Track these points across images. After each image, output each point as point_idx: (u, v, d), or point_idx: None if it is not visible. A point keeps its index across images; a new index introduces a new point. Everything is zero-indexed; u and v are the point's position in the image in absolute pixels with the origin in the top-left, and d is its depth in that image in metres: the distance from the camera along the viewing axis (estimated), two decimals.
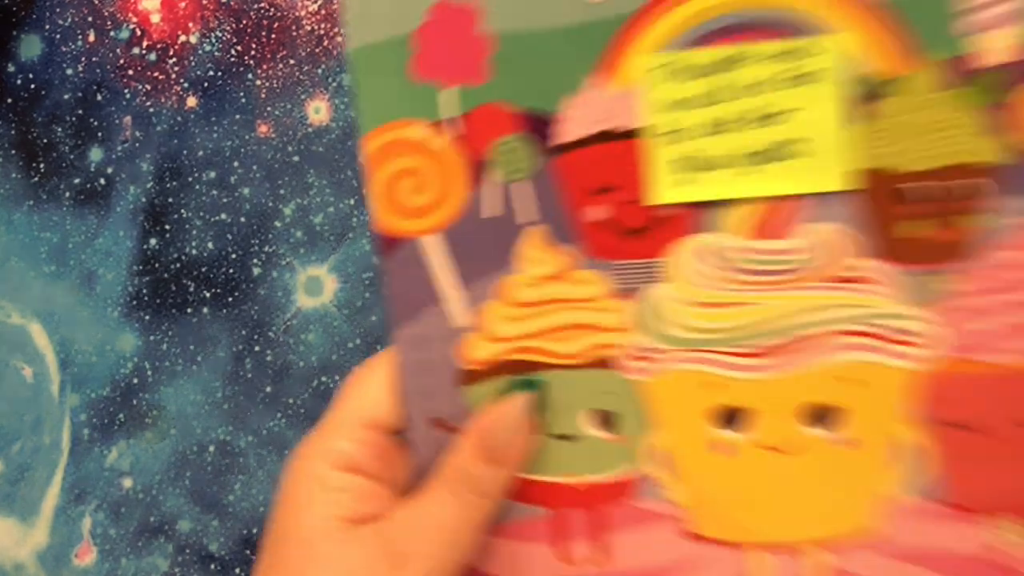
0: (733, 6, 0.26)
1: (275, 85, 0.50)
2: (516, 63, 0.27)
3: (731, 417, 0.29)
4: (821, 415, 0.28)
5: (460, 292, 0.30)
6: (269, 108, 0.50)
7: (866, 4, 0.25)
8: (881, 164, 0.26)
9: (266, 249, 0.49)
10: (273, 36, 0.50)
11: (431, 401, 0.31)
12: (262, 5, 0.50)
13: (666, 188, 0.27)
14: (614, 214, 0.28)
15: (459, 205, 0.29)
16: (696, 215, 0.28)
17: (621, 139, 0.28)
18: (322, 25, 0.50)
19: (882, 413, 0.28)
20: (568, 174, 0.28)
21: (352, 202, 0.49)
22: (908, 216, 0.26)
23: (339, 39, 0.50)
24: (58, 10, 0.51)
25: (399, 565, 0.27)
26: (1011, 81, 0.24)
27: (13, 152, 0.51)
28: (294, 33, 0.50)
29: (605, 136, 0.28)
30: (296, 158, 0.49)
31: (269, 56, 0.50)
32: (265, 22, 0.50)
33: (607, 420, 0.30)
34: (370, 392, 0.32)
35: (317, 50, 0.50)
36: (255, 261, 0.49)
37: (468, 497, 0.28)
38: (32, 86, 0.51)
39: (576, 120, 0.28)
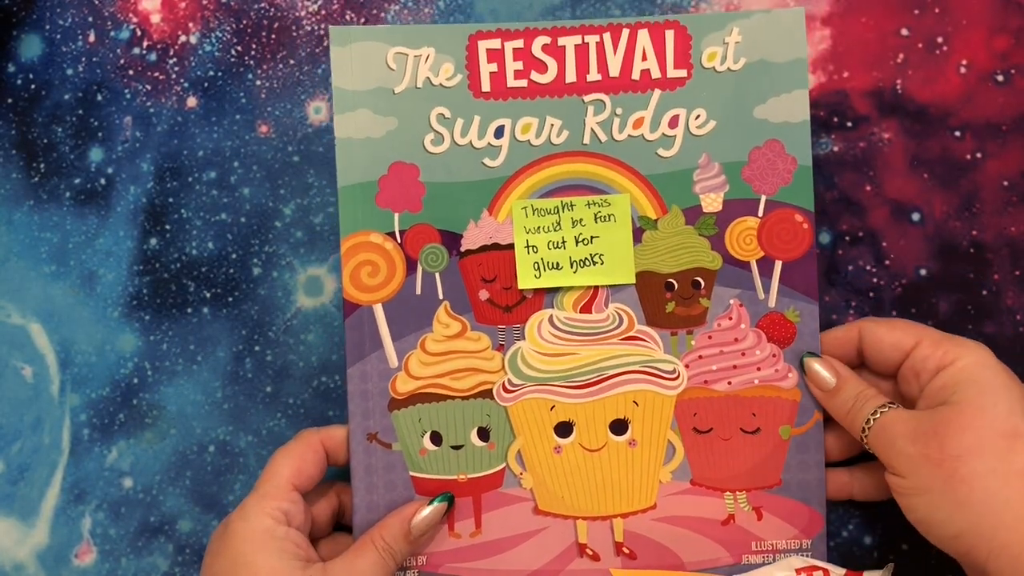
0: (565, 175, 0.44)
1: (275, 85, 0.50)
2: (439, 201, 0.44)
3: (564, 429, 0.44)
4: (618, 426, 0.43)
5: (393, 344, 0.44)
6: (269, 108, 0.50)
7: (640, 177, 0.43)
8: (651, 268, 0.44)
9: (266, 249, 0.49)
10: (273, 36, 0.50)
11: (369, 420, 0.44)
12: (262, 5, 0.50)
13: (527, 280, 0.43)
14: (493, 296, 0.44)
15: (398, 286, 0.44)
16: (543, 298, 0.44)
17: (501, 249, 0.44)
18: (322, 25, 0.50)
19: (654, 424, 0.43)
20: (467, 269, 0.44)
21: None
22: (671, 300, 0.43)
23: None
24: (58, 10, 0.51)
25: None
26: (718, 223, 0.43)
27: (13, 152, 0.51)
28: (294, 33, 0.50)
29: (491, 247, 0.44)
30: (296, 158, 0.49)
31: (269, 56, 0.50)
32: (265, 22, 0.50)
33: (485, 434, 0.44)
34: (291, 464, 0.42)
35: (317, 50, 0.50)
36: (255, 261, 0.49)
37: (387, 562, 0.41)
38: (32, 86, 0.51)
39: (473, 236, 0.44)
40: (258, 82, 0.50)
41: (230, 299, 0.49)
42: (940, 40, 0.46)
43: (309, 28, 0.50)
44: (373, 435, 0.43)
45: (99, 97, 0.51)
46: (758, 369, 0.43)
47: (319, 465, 0.43)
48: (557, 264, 0.43)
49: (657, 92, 0.43)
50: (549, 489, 0.44)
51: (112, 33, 0.51)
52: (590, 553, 0.43)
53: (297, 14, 0.50)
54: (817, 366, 0.42)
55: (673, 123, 0.43)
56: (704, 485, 0.43)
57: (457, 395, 0.44)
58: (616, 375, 0.43)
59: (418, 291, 0.44)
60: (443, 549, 0.44)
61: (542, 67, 0.43)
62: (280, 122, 0.50)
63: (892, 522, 0.43)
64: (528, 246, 0.43)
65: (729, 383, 0.43)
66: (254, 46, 0.50)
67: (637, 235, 0.43)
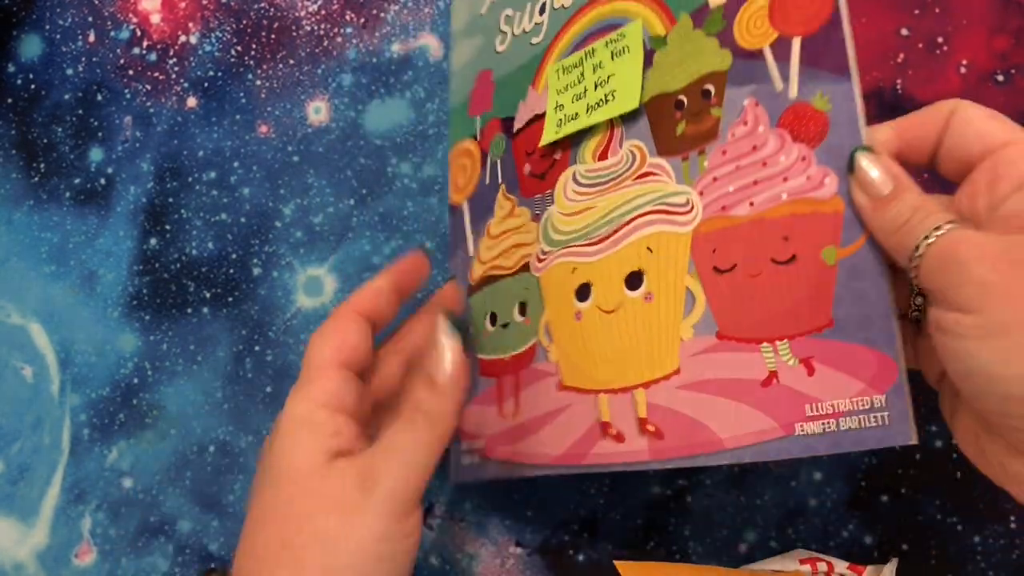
0: (589, 23, 0.40)
1: (275, 85, 0.50)
2: (502, 93, 0.43)
3: (583, 291, 0.38)
4: (633, 279, 0.37)
5: (472, 235, 0.43)
6: (269, 108, 0.50)
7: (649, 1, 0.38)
8: (662, 90, 0.37)
9: (266, 249, 0.49)
10: (273, 36, 0.50)
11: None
12: (262, 5, 0.50)
13: (548, 136, 0.40)
14: (533, 167, 0.41)
15: (476, 181, 0.43)
16: (568, 156, 0.40)
17: (540, 119, 0.41)
18: (322, 25, 0.50)
19: (669, 270, 0.36)
20: (516, 148, 0.42)
21: (352, 202, 0.49)
22: (680, 119, 0.36)
23: (338, 40, 0.50)
24: (58, 10, 0.51)
25: (369, 488, 0.33)
26: (727, 15, 0.35)
27: (13, 152, 0.51)
28: (294, 33, 0.50)
29: (533, 120, 0.41)
30: (296, 158, 0.49)
31: (269, 56, 0.50)
32: (265, 22, 0.50)
33: (524, 309, 0.40)
34: (344, 337, 0.37)
35: (317, 51, 0.50)
36: (255, 261, 0.49)
37: (421, 424, 0.34)
38: (32, 86, 0.51)
39: (522, 114, 0.42)
40: (258, 82, 0.50)
41: (230, 299, 0.49)
42: (940, 40, 0.46)
43: (309, 28, 0.50)
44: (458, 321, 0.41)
45: (99, 97, 0.51)
46: (784, 180, 0.33)
47: (362, 333, 0.38)
48: (576, 115, 0.39)
49: None
50: (572, 361, 0.38)
51: (112, 33, 0.51)
52: (613, 433, 0.36)
53: (297, 14, 0.50)
54: (866, 162, 0.31)
55: None
56: (734, 337, 0.33)
57: (506, 273, 0.41)
58: (629, 221, 0.36)
59: (487, 181, 0.43)
60: (495, 431, 0.40)
61: None
62: (280, 122, 0.50)
63: (892, 522, 0.43)
64: (557, 106, 0.40)
65: (751, 204, 0.33)
66: (254, 46, 0.50)
67: (649, 58, 0.37)
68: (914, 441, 0.30)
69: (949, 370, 0.29)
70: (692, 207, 0.35)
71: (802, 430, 0.32)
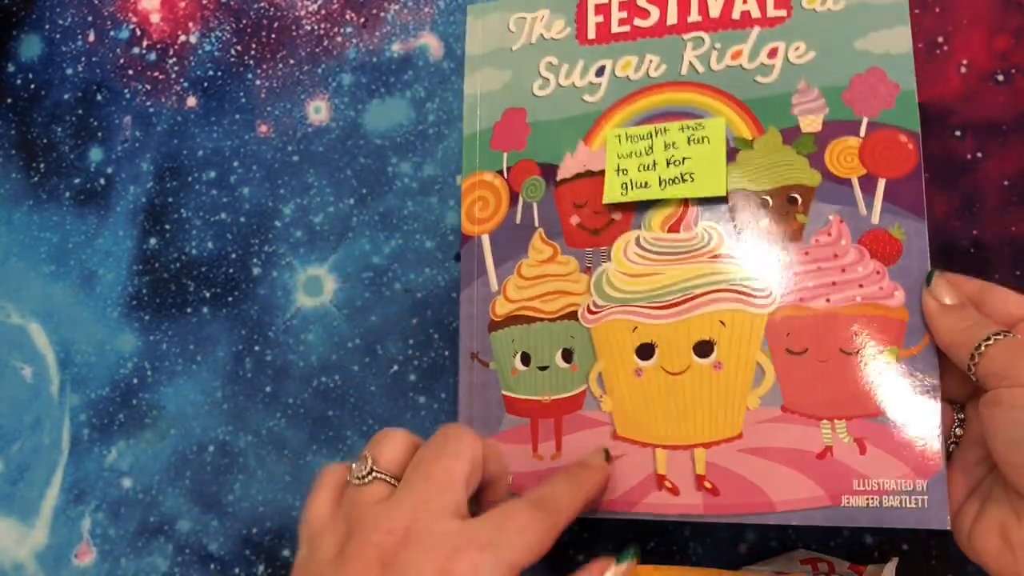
0: (661, 104, 0.44)
1: (275, 85, 0.50)
2: (541, 138, 0.45)
3: (646, 351, 0.41)
4: (703, 348, 0.41)
5: (495, 270, 0.44)
6: (269, 108, 0.50)
7: (737, 102, 0.42)
8: (745, 186, 0.42)
9: (266, 249, 0.49)
10: (273, 36, 0.50)
11: (472, 340, 0.44)
12: (262, 5, 0.50)
13: (612, 195, 0.43)
14: (583, 220, 0.44)
15: (502, 217, 0.45)
16: (631, 220, 0.43)
17: (593, 176, 0.44)
18: (322, 25, 0.50)
19: (742, 345, 0.40)
20: (560, 196, 0.44)
21: (352, 202, 0.48)
22: (764, 217, 0.41)
23: (338, 40, 0.50)
24: (58, 10, 0.51)
25: (501, 545, 0.33)
26: (818, 143, 0.41)
27: (13, 152, 0.51)
28: (294, 33, 0.50)
29: (584, 174, 0.44)
30: (296, 158, 0.49)
31: (269, 56, 0.50)
32: (265, 22, 0.50)
33: (569, 355, 0.43)
34: (469, 455, 0.37)
35: (317, 50, 0.50)
36: (255, 261, 0.49)
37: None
38: (32, 86, 0.51)
39: (569, 166, 0.44)
40: (258, 82, 0.50)
41: (230, 299, 0.49)
42: (940, 40, 0.46)
43: (309, 28, 0.50)
44: (475, 354, 0.44)
45: (99, 97, 0.51)
46: (860, 286, 0.39)
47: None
48: (646, 183, 0.43)
49: (757, 28, 0.43)
50: (628, 414, 0.42)
51: (112, 33, 0.51)
52: (668, 486, 0.40)
53: (297, 14, 0.50)
54: (942, 278, 0.38)
55: (772, 54, 0.42)
56: (797, 412, 0.39)
57: (545, 317, 0.44)
58: (702, 294, 0.41)
59: (518, 220, 0.45)
60: (526, 470, 0.42)
61: (645, 13, 0.45)
62: (280, 122, 0.50)
63: None
64: (619, 169, 0.43)
65: (827, 300, 0.39)
66: (254, 46, 0.50)
67: (732, 155, 0.42)
68: (948, 527, 0.36)
69: (1001, 440, 0.34)
70: (771, 293, 0.40)
71: (848, 502, 0.37)
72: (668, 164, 0.43)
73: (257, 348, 0.49)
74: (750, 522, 0.39)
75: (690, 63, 0.44)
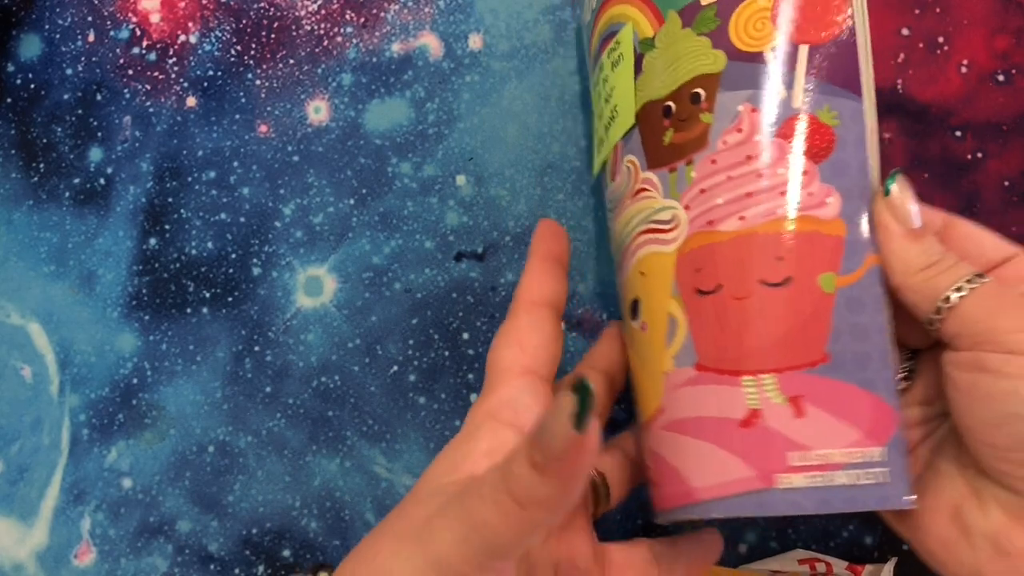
0: (600, 32, 0.36)
1: (275, 85, 0.50)
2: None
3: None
4: (635, 308, 0.33)
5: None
6: (269, 108, 0.50)
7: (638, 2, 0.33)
8: (651, 97, 0.32)
9: (266, 249, 0.49)
10: (273, 36, 0.50)
11: None
12: (262, 5, 0.50)
13: (595, 168, 0.37)
14: None
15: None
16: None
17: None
18: (322, 25, 0.50)
19: (657, 295, 0.31)
20: None
21: (352, 202, 0.48)
22: (668, 127, 0.31)
23: (338, 40, 0.50)
24: (58, 10, 0.51)
25: (426, 540, 0.26)
26: (719, 13, 0.31)
27: (13, 152, 0.51)
28: (294, 33, 0.50)
29: None
30: (296, 158, 0.49)
31: (269, 56, 0.50)
32: (265, 22, 0.50)
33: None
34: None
35: (317, 50, 0.50)
36: (255, 261, 0.49)
37: (507, 504, 0.25)
38: (32, 86, 0.51)
39: None
40: (258, 82, 0.50)
41: (230, 299, 0.49)
42: (941, 40, 0.46)
43: (309, 28, 0.50)
44: None
45: (98, 97, 0.51)
46: (782, 194, 0.29)
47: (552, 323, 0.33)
48: (601, 140, 0.36)
49: None
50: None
51: (111, 33, 0.51)
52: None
53: (297, 13, 0.50)
54: (904, 187, 0.29)
55: None
56: (714, 368, 0.29)
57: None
58: (628, 245, 0.33)
59: None
60: None
61: None
62: (280, 122, 0.49)
63: None
64: (597, 139, 0.36)
65: (741, 218, 0.29)
66: (254, 46, 0.50)
67: (640, 64, 0.33)
68: (914, 506, 0.28)
69: (980, 416, 0.27)
70: (677, 223, 0.31)
71: (785, 483, 0.28)
72: (606, 102, 0.35)
73: (257, 348, 0.49)
74: (673, 519, 0.31)
75: None
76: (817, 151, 0.29)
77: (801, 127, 0.29)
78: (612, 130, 0.34)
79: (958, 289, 0.27)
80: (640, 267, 0.32)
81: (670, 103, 0.31)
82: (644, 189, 0.32)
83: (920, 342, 0.32)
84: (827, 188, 0.29)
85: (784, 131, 0.29)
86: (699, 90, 0.31)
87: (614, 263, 0.35)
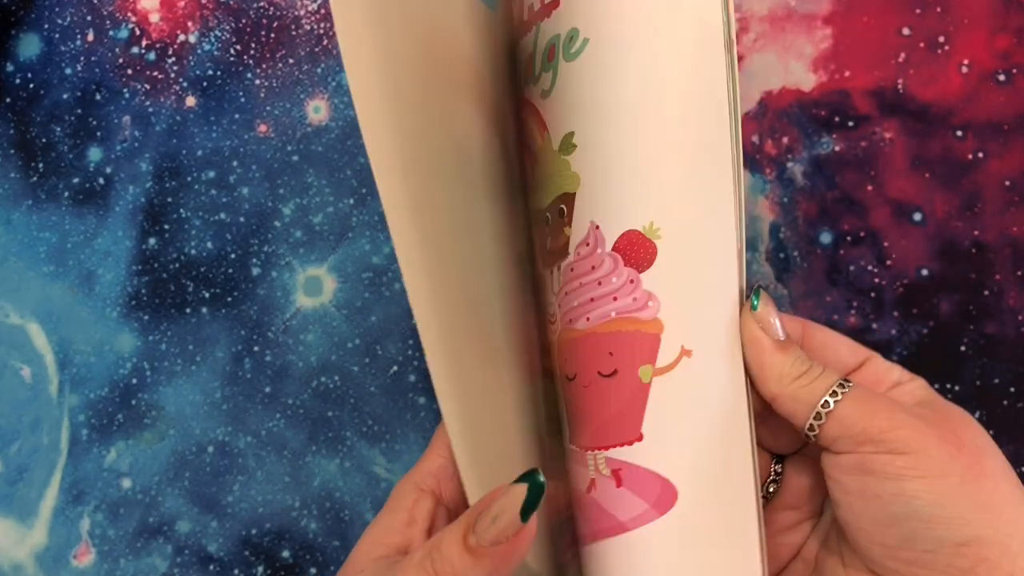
0: None
1: (275, 85, 0.50)
2: None
3: None
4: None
5: None
6: (269, 108, 0.50)
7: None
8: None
9: (265, 249, 0.49)
10: (273, 36, 0.50)
11: None
12: (261, 4, 0.50)
13: None
14: None
15: None
16: None
17: None
18: (322, 25, 0.50)
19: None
20: None
21: (351, 202, 0.48)
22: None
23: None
24: (57, 9, 0.51)
25: None
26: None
27: (12, 152, 0.51)
28: (294, 33, 0.50)
29: None
30: (296, 158, 0.49)
31: (269, 56, 0.50)
32: (264, 21, 0.50)
33: None
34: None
35: (317, 50, 0.50)
36: (254, 261, 0.49)
37: None
38: (31, 85, 0.51)
39: None
40: (257, 81, 0.50)
41: (229, 299, 0.49)
42: (942, 39, 0.46)
43: (308, 27, 0.50)
44: None
45: (98, 96, 0.51)
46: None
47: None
48: None
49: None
50: None
51: (111, 32, 0.51)
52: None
53: (296, 13, 0.50)
54: (767, 304, 0.31)
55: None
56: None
57: None
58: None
59: None
60: None
61: None
62: (279, 121, 0.49)
63: None
64: None
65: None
66: (253, 45, 0.50)
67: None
68: None
69: (868, 516, 0.28)
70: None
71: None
72: None
73: (256, 348, 0.49)
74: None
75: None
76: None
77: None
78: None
79: (833, 394, 0.29)
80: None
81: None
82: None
83: (785, 448, 0.34)
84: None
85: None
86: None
87: None
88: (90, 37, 0.51)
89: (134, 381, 0.50)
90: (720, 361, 0.32)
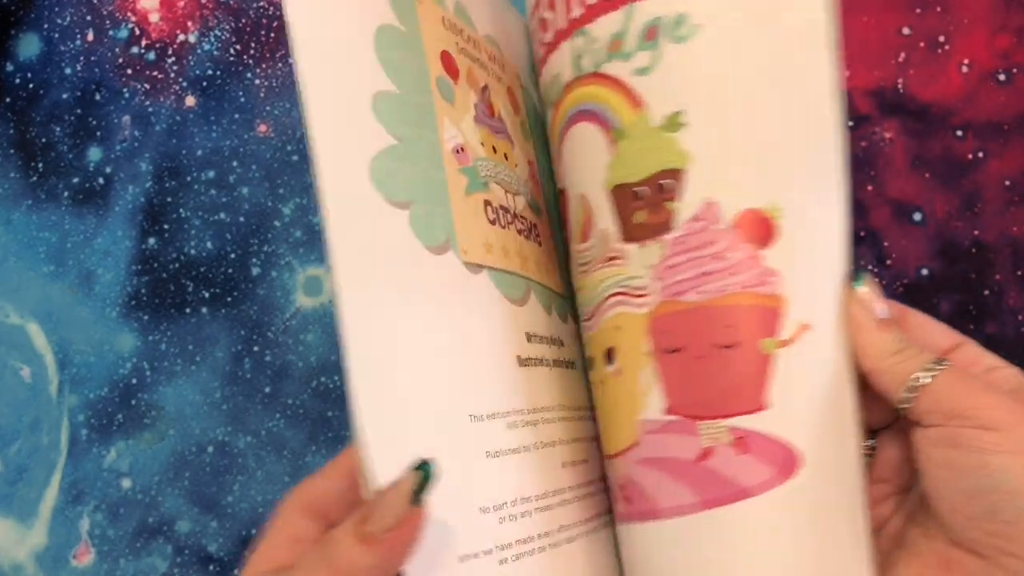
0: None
1: (274, 85, 0.50)
2: None
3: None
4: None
5: None
6: (268, 108, 0.50)
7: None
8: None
9: (265, 249, 0.49)
10: (272, 36, 0.50)
11: None
12: (261, 4, 0.50)
13: None
14: None
15: None
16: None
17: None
18: None
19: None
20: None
21: None
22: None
23: None
24: (57, 9, 0.51)
25: None
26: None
27: (12, 152, 0.51)
28: None
29: None
30: (295, 158, 0.49)
31: (268, 56, 0.50)
32: (264, 21, 0.50)
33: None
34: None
35: None
36: (254, 261, 0.49)
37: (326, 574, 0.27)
38: (31, 85, 0.51)
39: None
40: (257, 81, 0.50)
41: (229, 299, 0.49)
42: (942, 39, 0.46)
43: None
44: None
45: (98, 96, 0.51)
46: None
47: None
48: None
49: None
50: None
51: (111, 32, 0.51)
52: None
53: None
54: (868, 286, 0.33)
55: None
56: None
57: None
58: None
59: None
60: None
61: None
62: (279, 121, 0.49)
63: None
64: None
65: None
66: (253, 45, 0.50)
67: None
68: None
69: (953, 487, 0.30)
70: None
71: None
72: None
73: (256, 348, 0.49)
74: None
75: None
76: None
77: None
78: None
79: (927, 370, 0.31)
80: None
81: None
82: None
83: (879, 422, 0.35)
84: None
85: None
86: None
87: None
88: (90, 37, 0.51)
89: (134, 381, 0.49)
90: (834, 336, 0.34)
